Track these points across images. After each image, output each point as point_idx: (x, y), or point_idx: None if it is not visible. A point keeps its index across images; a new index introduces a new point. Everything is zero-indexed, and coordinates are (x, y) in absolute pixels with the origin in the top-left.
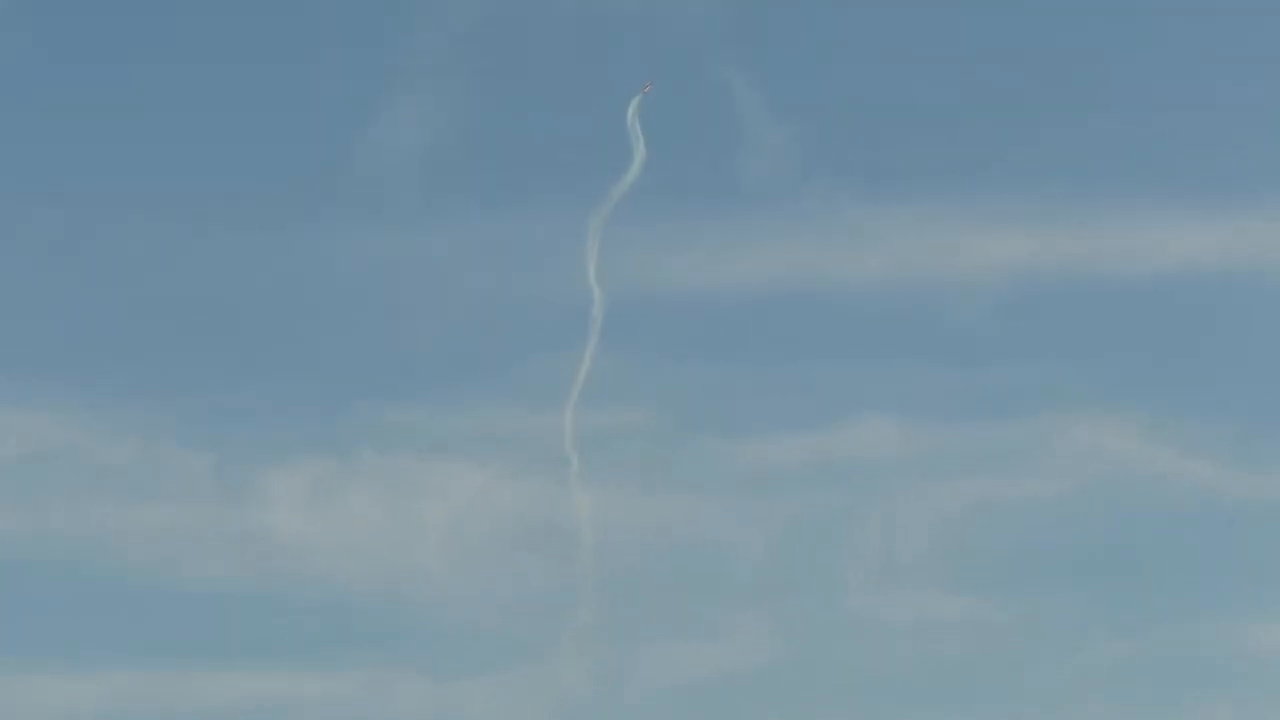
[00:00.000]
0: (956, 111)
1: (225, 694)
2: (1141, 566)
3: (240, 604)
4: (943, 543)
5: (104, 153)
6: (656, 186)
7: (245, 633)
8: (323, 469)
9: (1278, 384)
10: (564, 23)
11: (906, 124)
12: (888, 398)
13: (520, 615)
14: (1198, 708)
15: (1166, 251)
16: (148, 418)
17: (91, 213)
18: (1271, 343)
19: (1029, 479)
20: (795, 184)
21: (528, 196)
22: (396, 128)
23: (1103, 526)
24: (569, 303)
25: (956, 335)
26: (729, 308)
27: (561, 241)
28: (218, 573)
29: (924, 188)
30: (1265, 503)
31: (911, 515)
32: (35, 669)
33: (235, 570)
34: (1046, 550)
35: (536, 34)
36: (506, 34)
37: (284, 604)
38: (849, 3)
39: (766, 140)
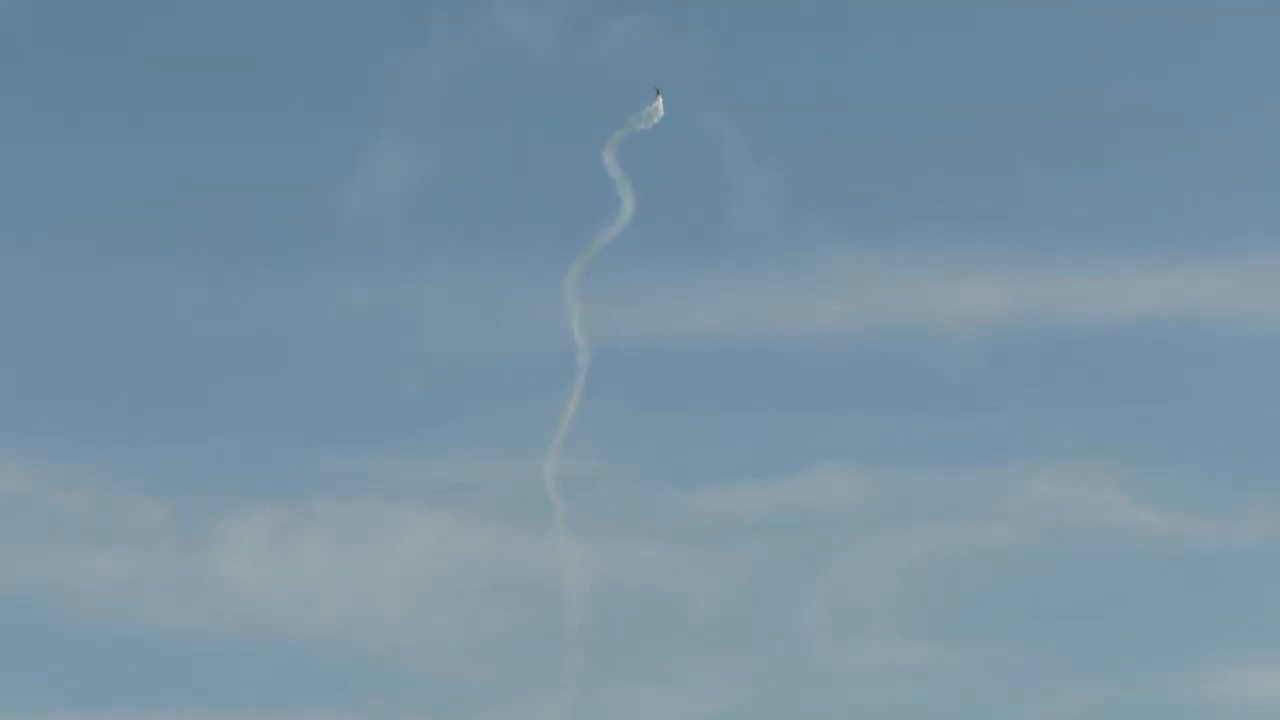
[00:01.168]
0: (937, 160)
1: None
2: (1103, 613)
3: (197, 651)
4: (903, 590)
5: (76, 201)
6: (639, 233)
7: (202, 680)
8: (280, 517)
9: (1240, 432)
10: (547, 70)
11: (887, 172)
12: (847, 446)
13: (477, 663)
14: None
15: (1129, 301)
16: (105, 465)
17: (54, 261)
18: (1233, 392)
19: (990, 527)
20: (776, 231)
21: (510, 243)
22: (380, 174)
23: (1064, 573)
24: (538, 351)
25: (918, 383)
26: (690, 358)
27: (538, 290)
28: (175, 620)
29: (897, 236)
30: (1227, 550)
31: (872, 563)
32: None
33: (192, 618)
34: (1007, 598)
35: (519, 81)
36: (490, 81)
37: (241, 651)
38: (834, 51)
39: (750, 188)
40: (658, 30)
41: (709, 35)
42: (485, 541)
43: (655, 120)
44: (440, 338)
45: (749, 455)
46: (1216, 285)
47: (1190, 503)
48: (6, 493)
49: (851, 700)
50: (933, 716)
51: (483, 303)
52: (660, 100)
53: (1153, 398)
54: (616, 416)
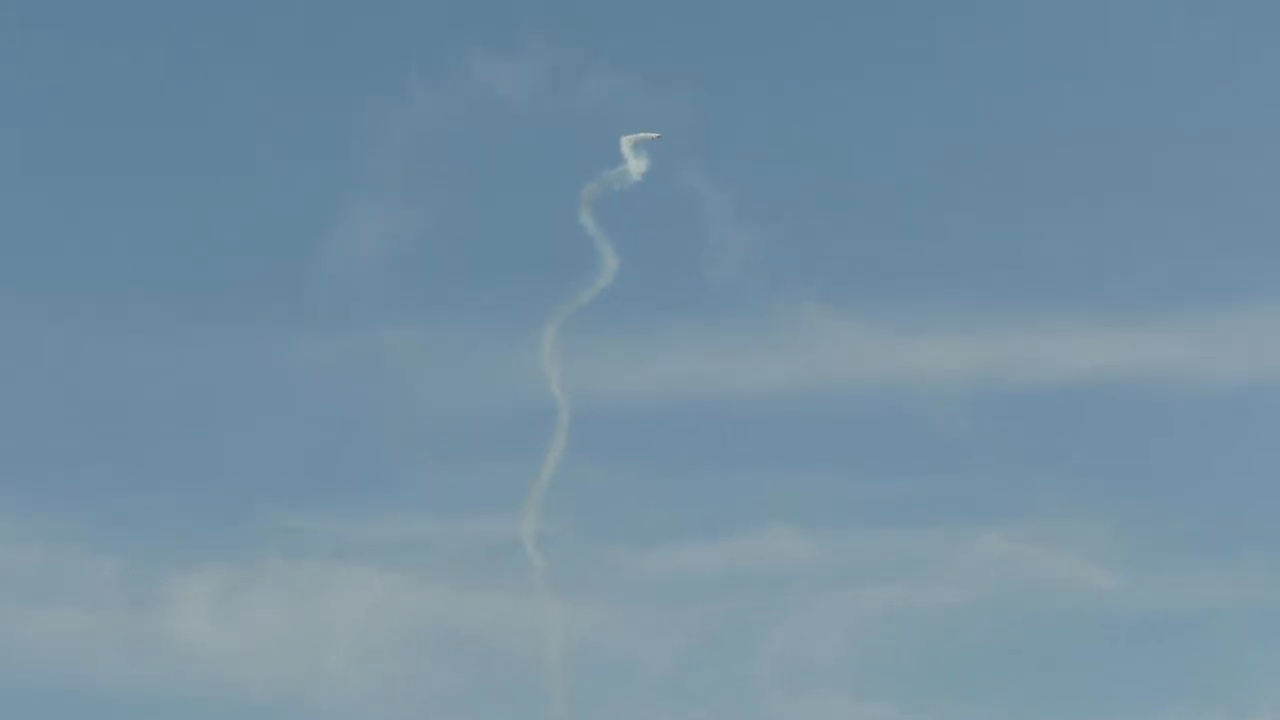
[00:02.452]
0: (914, 220)
1: None
2: (1054, 673)
3: (146, 709)
4: (851, 650)
5: (35, 258)
6: (616, 290)
7: None
8: (229, 574)
9: (1191, 492)
10: (526, 125)
11: (856, 231)
12: (795, 506)
13: None
14: None
15: (1080, 361)
16: (53, 522)
17: (5, 317)
18: (1184, 451)
19: (936, 586)
20: (753, 289)
21: (486, 301)
22: (357, 232)
23: (1015, 633)
24: (506, 410)
25: (871, 443)
26: (654, 417)
27: (511, 348)
28: (124, 677)
29: (860, 294)
30: (1180, 609)
31: (820, 623)
32: None
33: (141, 675)
34: (958, 657)
35: (498, 137)
36: (468, 136)
37: (190, 709)
38: (814, 108)
39: (730, 246)
40: (637, 86)
41: (689, 91)
42: (437, 600)
43: (631, 179)
44: (402, 395)
45: (697, 515)
46: (1165, 345)
47: (1141, 562)
48: None
49: None
50: None
51: (450, 361)
52: (628, 142)
53: (1103, 457)
54: (564, 475)
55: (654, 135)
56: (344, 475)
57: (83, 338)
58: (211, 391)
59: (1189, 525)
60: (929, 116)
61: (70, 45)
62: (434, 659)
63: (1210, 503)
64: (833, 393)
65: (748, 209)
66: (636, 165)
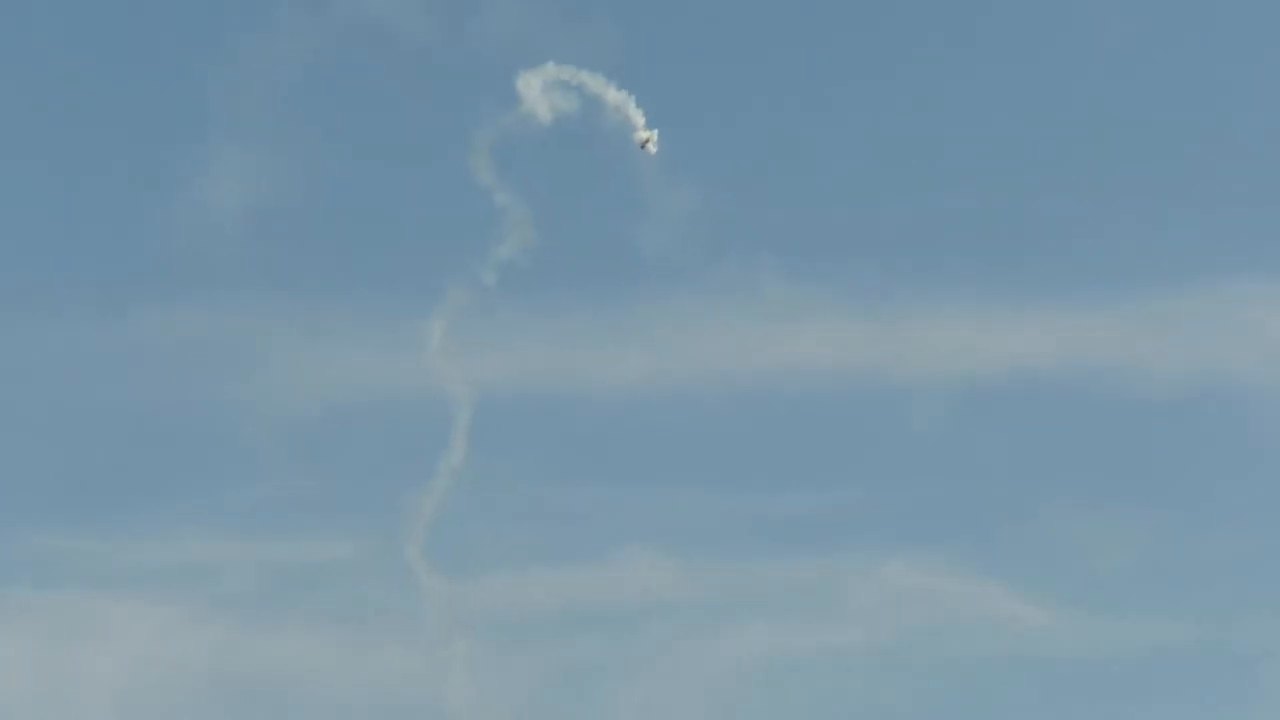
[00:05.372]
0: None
1: None
2: None
3: None
4: (723, 699)
5: None
6: (523, 262)
7: None
8: None
9: (1122, 507)
10: (418, 60)
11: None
12: (658, 528)
13: None
14: None
15: (992, 353)
16: None
17: None
18: (1113, 459)
19: (827, 625)
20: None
21: (366, 275)
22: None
23: (921, 679)
24: (355, 408)
25: (739, 453)
26: (505, 416)
27: (391, 333)
28: None
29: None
30: (1111, 650)
31: (686, 667)
32: None
33: None
34: (852, 707)
35: (385, 75)
36: (347, 76)
37: None
38: (757, 50)
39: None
40: (552, 12)
41: (613, 21)
42: (222, 637)
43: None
44: (235, 389)
45: (542, 537)
46: (1083, 338)
47: (1076, 594)
48: None
49: None
50: None
51: (306, 346)
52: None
53: (1022, 471)
54: (376, 488)
55: (650, 139)
56: (124, 488)
57: None
58: None
59: (1131, 548)
60: (871, 70)
61: None
62: (210, 709)
63: (1155, 520)
64: (710, 387)
65: (679, 161)
66: (547, 105)
